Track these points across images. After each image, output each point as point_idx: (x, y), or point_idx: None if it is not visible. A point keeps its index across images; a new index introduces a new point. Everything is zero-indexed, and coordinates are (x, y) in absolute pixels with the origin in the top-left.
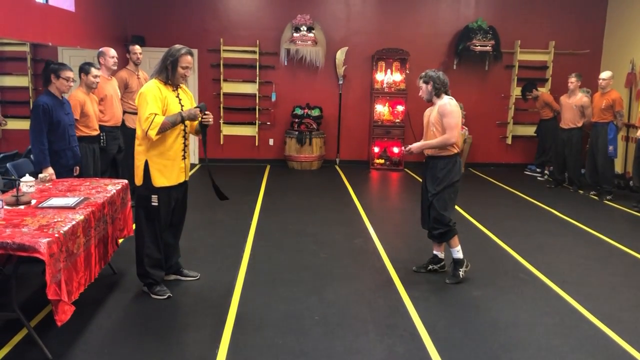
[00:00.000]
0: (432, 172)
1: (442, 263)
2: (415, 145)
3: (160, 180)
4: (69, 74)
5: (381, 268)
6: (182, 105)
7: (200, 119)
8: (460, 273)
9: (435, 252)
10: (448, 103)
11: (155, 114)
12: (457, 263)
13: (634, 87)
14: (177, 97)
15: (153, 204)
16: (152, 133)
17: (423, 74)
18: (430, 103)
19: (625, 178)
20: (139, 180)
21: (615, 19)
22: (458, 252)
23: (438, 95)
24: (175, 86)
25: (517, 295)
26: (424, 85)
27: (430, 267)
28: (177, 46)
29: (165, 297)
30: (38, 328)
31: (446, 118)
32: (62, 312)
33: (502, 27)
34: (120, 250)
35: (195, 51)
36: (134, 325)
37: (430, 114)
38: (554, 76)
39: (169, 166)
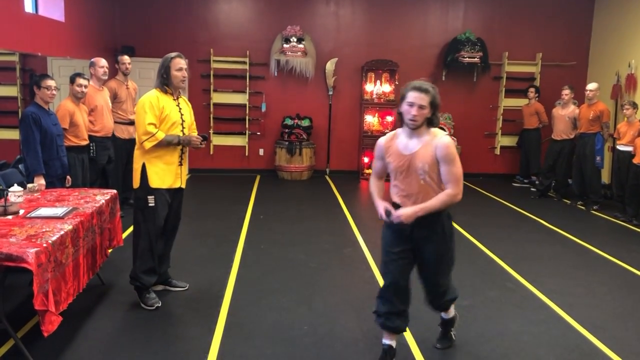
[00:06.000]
0: (430, 230)
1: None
2: (408, 213)
3: (156, 181)
4: (50, 82)
5: (370, 278)
6: (182, 114)
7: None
8: (453, 334)
9: (388, 341)
10: (452, 143)
11: (158, 130)
12: (450, 323)
13: (620, 98)
14: (178, 105)
15: (150, 204)
16: (148, 145)
17: (425, 85)
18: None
19: (611, 188)
20: (136, 183)
21: (601, 31)
22: (452, 310)
23: (431, 124)
24: (176, 95)
25: (504, 304)
26: (426, 109)
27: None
28: (168, 54)
29: (153, 308)
30: (25, 338)
31: (452, 166)
32: (48, 323)
33: (490, 39)
34: (109, 261)
35: (185, 61)
36: (122, 336)
37: (416, 153)
38: (541, 88)
39: (166, 170)
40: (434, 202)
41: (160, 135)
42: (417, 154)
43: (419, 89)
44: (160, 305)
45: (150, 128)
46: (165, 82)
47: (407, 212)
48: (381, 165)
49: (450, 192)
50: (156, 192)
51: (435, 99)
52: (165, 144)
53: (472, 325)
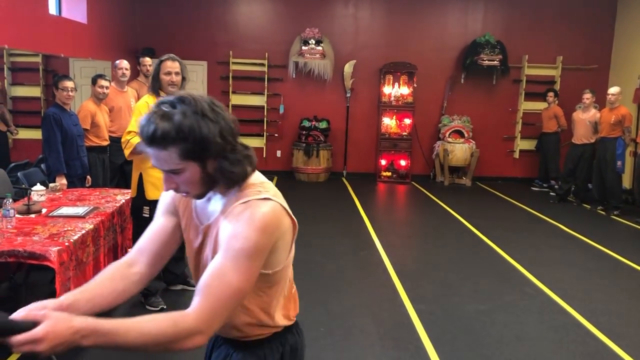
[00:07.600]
0: None
1: None
2: (47, 332)
3: (153, 193)
4: (67, 84)
5: (387, 280)
6: None
7: None
8: None
9: None
10: (264, 215)
11: (135, 134)
12: None
13: None
14: None
15: (144, 215)
16: (126, 152)
17: (168, 105)
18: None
19: (633, 193)
20: (133, 192)
21: (623, 35)
22: None
23: (244, 178)
24: None
25: (522, 309)
26: (182, 164)
27: None
28: (162, 56)
29: (158, 308)
30: None
31: (225, 259)
32: None
33: (509, 42)
34: None
35: (204, 63)
36: None
37: (211, 225)
38: (561, 91)
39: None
40: (140, 324)
41: (135, 141)
42: (212, 226)
43: (146, 126)
44: (165, 307)
45: (127, 136)
46: (157, 86)
47: (48, 328)
48: (161, 227)
49: (186, 317)
50: (152, 203)
51: (184, 128)
52: (138, 152)
53: (490, 330)
